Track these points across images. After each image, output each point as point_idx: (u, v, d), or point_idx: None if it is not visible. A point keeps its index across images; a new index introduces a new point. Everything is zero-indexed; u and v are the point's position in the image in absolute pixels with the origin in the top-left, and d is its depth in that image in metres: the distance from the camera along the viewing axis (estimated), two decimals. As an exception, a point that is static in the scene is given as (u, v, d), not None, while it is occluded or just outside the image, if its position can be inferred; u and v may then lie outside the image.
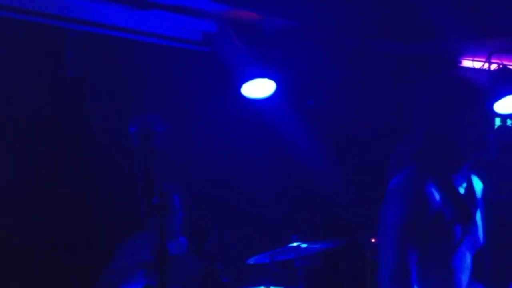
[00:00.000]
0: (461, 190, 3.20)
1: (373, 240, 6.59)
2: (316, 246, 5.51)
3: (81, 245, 5.65)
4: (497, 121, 7.31)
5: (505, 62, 6.92)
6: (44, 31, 5.59)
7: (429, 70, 7.17)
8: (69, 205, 5.68)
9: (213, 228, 6.04)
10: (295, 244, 5.35)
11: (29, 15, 5.46)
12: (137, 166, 3.12)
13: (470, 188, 3.27)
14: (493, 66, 6.98)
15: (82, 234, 5.67)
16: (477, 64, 7.15)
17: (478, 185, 3.37)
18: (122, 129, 3.29)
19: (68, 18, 5.64)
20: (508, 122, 7.33)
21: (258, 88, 6.20)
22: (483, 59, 7.08)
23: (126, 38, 5.95)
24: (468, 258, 3.19)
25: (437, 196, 3.09)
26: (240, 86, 6.11)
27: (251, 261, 5.35)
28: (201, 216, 5.83)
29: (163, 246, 3.13)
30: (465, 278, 3.18)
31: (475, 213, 3.22)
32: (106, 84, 5.90)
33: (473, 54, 7.19)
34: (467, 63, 7.41)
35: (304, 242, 5.37)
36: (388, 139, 7.35)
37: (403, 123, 7.18)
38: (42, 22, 5.54)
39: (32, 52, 5.58)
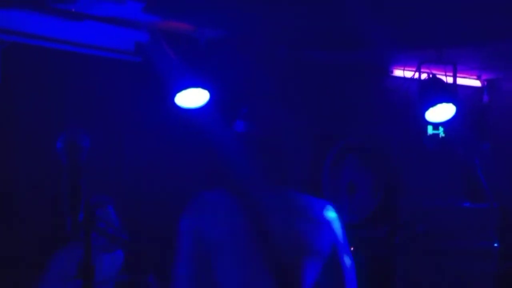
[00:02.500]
0: None
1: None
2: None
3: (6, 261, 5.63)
4: (429, 129, 7.46)
5: (434, 72, 7.09)
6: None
7: (361, 79, 7.30)
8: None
9: (145, 240, 6.04)
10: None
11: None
12: (64, 181, 3.12)
13: None
14: (423, 76, 7.13)
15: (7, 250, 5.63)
16: (408, 74, 7.29)
17: None
18: (52, 141, 3.28)
19: (-2, 28, 5.60)
20: (440, 130, 7.47)
21: (192, 98, 6.22)
22: (414, 69, 7.22)
23: (58, 48, 5.90)
24: None
25: None
26: (174, 96, 6.12)
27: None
28: (134, 228, 5.80)
29: (89, 262, 3.13)
30: None
31: None
32: (37, 95, 5.87)
33: (404, 63, 7.32)
34: (398, 72, 7.55)
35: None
36: (318, 147, 7.52)
37: (334, 130, 7.33)
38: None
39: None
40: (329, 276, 3.07)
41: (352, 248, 6.81)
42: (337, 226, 3.09)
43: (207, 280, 2.91)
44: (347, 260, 3.10)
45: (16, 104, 5.76)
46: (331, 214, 3.09)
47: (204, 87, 6.15)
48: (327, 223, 3.05)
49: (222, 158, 3.24)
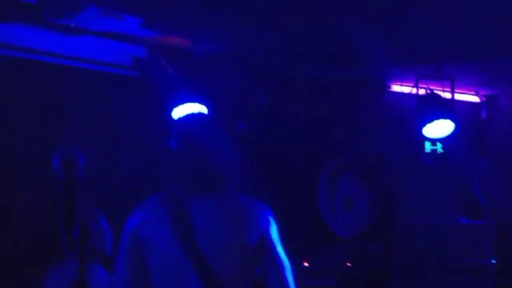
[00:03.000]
0: None
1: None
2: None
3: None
4: (427, 145, 7.45)
5: (432, 87, 7.09)
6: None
7: (357, 94, 7.30)
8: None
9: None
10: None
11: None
12: (59, 198, 3.11)
13: None
14: (421, 91, 7.14)
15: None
16: (406, 89, 7.30)
17: None
18: (48, 156, 3.28)
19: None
20: (438, 146, 7.47)
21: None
22: (411, 84, 7.23)
23: (56, 62, 5.91)
24: None
25: None
26: (171, 110, 6.12)
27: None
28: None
29: (83, 278, 3.12)
30: None
31: None
32: (34, 109, 5.86)
33: (401, 79, 7.33)
34: (396, 87, 7.55)
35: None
36: (315, 162, 7.50)
37: (330, 146, 7.32)
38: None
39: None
40: (265, 272, 3.31)
41: (348, 264, 6.82)
42: (265, 222, 3.31)
43: (141, 272, 3.30)
44: (282, 255, 3.32)
45: (12, 119, 5.75)
46: (261, 211, 3.34)
47: (200, 101, 6.16)
48: (254, 219, 3.28)
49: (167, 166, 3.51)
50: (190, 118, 3.65)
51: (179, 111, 6.15)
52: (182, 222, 3.25)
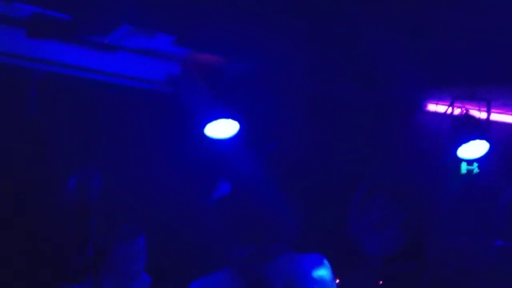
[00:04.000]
0: None
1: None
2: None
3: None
4: (463, 166, 7.40)
5: (468, 107, 7.05)
6: (8, 71, 5.66)
7: (391, 115, 7.27)
8: (13, 244, 5.77)
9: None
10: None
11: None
12: (73, 219, 3.19)
13: None
14: (457, 111, 7.09)
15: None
16: (441, 109, 7.25)
17: None
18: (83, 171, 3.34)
19: (33, 58, 5.71)
20: (474, 166, 7.41)
21: (221, 129, 6.30)
22: (447, 104, 7.18)
23: (91, 78, 6.02)
24: None
25: None
26: (204, 126, 6.20)
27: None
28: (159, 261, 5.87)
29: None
30: None
31: None
32: (70, 124, 5.97)
33: (437, 99, 7.29)
34: (431, 107, 7.51)
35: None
36: (348, 183, 7.47)
37: (362, 167, 7.30)
38: (7, 62, 5.61)
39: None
40: None
41: (380, 282, 6.79)
42: (328, 279, 3.27)
43: None
44: None
45: (48, 134, 5.86)
46: (323, 270, 3.25)
47: (233, 118, 6.22)
48: (322, 281, 3.20)
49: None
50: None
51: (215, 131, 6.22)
52: None
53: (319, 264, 3.23)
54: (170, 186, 6.48)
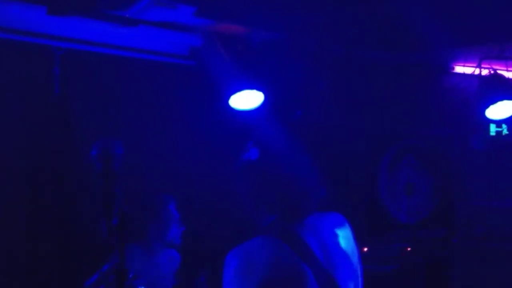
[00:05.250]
0: None
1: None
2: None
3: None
4: (492, 128, 7.32)
5: (495, 67, 6.94)
6: (31, 49, 5.66)
7: (419, 78, 7.20)
8: (47, 221, 5.83)
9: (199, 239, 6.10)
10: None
11: (17, 34, 5.53)
12: (98, 188, 3.18)
13: None
14: (484, 72, 7.00)
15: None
16: (468, 70, 7.16)
17: None
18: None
19: (55, 36, 5.70)
20: (504, 127, 7.33)
21: (246, 100, 6.26)
22: (474, 65, 7.09)
23: (113, 54, 6.01)
24: None
25: None
26: (228, 98, 6.16)
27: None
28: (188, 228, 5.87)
29: (123, 266, 3.19)
30: None
31: None
32: (93, 100, 5.98)
33: (464, 60, 7.20)
34: (458, 69, 7.42)
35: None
36: (376, 148, 7.45)
37: (392, 131, 7.25)
38: (30, 41, 5.62)
39: (20, 69, 5.69)
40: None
41: (408, 249, 6.76)
42: (352, 236, 3.15)
43: None
44: None
45: (72, 110, 5.88)
46: (347, 228, 3.14)
47: (258, 88, 6.18)
48: (348, 237, 3.11)
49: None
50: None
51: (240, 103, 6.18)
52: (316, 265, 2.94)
53: (342, 222, 3.15)
54: (195, 158, 6.48)
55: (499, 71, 6.88)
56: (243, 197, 3.16)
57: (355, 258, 3.08)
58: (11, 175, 5.67)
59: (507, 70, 7.00)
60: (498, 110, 6.72)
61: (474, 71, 7.10)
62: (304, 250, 2.94)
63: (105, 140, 3.33)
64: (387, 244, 6.77)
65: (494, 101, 6.68)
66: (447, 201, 7.10)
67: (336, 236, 3.05)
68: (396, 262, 6.65)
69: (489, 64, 6.95)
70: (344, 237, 3.07)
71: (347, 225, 3.14)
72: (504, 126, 7.28)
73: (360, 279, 3.10)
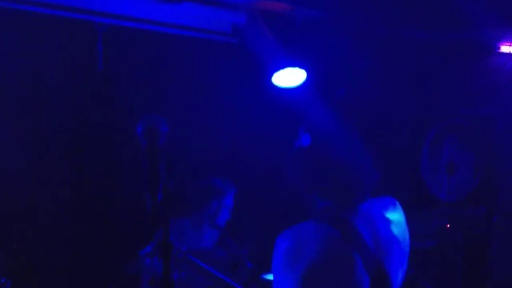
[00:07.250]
0: None
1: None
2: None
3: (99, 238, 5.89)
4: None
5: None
6: (74, 26, 5.68)
7: (463, 57, 7.12)
8: (89, 196, 5.91)
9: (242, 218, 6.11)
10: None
11: (59, 10, 5.55)
12: (143, 164, 3.20)
13: None
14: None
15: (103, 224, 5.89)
16: (514, 50, 7.08)
17: None
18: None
19: (98, 12, 5.70)
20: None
21: (289, 77, 6.24)
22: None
23: (156, 30, 6.02)
24: None
25: None
26: (271, 75, 6.14)
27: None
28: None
29: (167, 240, 3.21)
30: None
31: None
32: (136, 77, 6.01)
33: (510, 40, 7.10)
34: (504, 48, 7.32)
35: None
36: (419, 127, 7.39)
37: (435, 110, 7.19)
38: (72, 17, 5.63)
39: (63, 46, 5.73)
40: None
41: (448, 226, 6.73)
42: (404, 221, 3.12)
43: None
44: None
45: (116, 87, 5.91)
46: (399, 212, 3.11)
47: (301, 66, 6.15)
48: (399, 223, 3.07)
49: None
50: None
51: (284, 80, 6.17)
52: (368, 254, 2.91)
53: (395, 207, 3.12)
54: (238, 135, 6.49)
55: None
56: (295, 183, 3.13)
57: (406, 245, 3.06)
58: (56, 151, 5.73)
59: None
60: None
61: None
62: (355, 237, 2.91)
63: (150, 117, 3.35)
64: (426, 221, 6.73)
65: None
66: (488, 180, 7.02)
67: (388, 222, 3.02)
68: (435, 239, 6.62)
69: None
70: (396, 224, 3.03)
71: (400, 210, 3.10)
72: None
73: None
